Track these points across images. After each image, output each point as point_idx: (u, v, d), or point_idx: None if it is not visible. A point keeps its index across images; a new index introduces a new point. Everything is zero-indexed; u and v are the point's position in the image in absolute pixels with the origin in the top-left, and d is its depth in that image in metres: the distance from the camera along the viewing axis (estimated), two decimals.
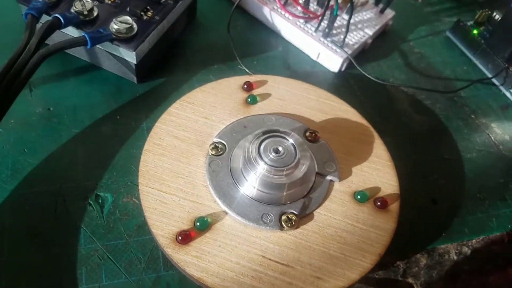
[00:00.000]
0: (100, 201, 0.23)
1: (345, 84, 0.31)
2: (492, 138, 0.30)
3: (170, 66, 0.30)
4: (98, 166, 0.24)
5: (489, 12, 0.35)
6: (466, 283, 0.25)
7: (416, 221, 0.26)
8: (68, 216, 0.22)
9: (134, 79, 0.28)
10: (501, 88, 0.33)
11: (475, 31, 0.35)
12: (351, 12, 0.30)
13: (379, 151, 0.25)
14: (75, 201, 0.22)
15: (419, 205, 0.26)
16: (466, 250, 0.26)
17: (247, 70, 0.30)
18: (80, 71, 0.28)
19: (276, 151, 0.22)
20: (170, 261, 0.20)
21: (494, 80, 0.34)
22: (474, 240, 0.26)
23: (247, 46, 0.33)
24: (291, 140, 0.22)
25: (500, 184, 0.28)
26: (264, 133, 0.22)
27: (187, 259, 0.20)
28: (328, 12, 0.31)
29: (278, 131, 0.22)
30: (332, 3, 0.31)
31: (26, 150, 0.24)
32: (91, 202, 0.23)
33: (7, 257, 0.20)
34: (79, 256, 0.21)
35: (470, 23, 0.36)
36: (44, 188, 0.23)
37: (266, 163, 0.21)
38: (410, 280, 0.25)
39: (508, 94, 0.33)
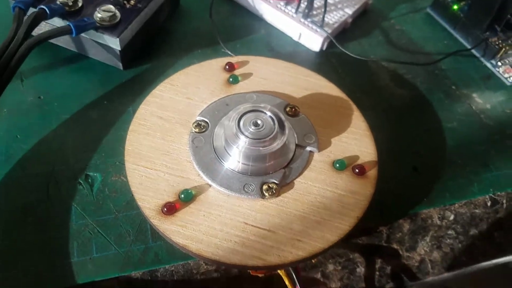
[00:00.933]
0: (90, 180, 0.24)
1: (327, 63, 0.32)
2: (473, 107, 0.31)
3: (155, 52, 0.31)
4: (87, 149, 0.25)
5: None
6: (451, 248, 0.26)
7: (397, 189, 0.26)
8: (59, 195, 0.23)
9: (120, 65, 0.29)
10: (482, 59, 0.34)
11: (455, 7, 0.36)
12: None
13: (358, 122, 0.26)
14: (66, 181, 0.24)
15: (400, 174, 0.27)
16: (449, 214, 0.27)
17: (229, 53, 0.31)
18: (68, 60, 0.29)
19: (256, 125, 0.23)
20: (157, 232, 0.21)
21: (475, 52, 0.34)
22: (456, 205, 0.27)
23: (230, 30, 0.33)
24: (269, 113, 0.23)
25: (482, 150, 0.29)
26: (244, 109, 0.23)
27: (173, 228, 0.21)
28: None
29: (256, 106, 0.23)
30: None
31: (18, 136, 0.25)
32: (81, 181, 0.24)
33: (2, 235, 0.22)
34: (70, 232, 0.22)
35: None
36: (36, 170, 0.24)
37: (247, 136, 0.22)
38: (394, 245, 0.26)
39: (489, 65, 0.34)
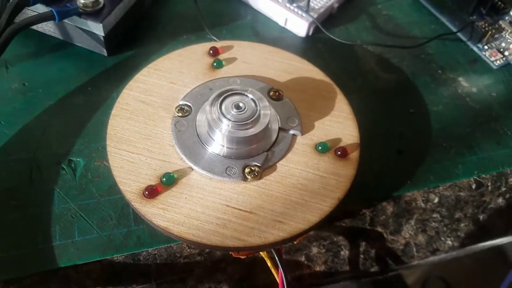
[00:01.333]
0: (72, 165, 0.24)
1: (313, 48, 0.32)
2: (459, 91, 0.31)
3: (140, 38, 0.31)
4: (71, 134, 0.25)
5: None
6: (436, 231, 0.26)
7: (381, 171, 0.26)
8: (42, 180, 0.23)
9: (104, 52, 0.29)
10: (468, 43, 0.34)
11: None
12: None
13: (341, 106, 0.26)
14: (49, 166, 0.24)
15: (384, 156, 0.27)
16: (433, 197, 0.27)
17: (214, 38, 0.31)
18: (53, 48, 0.29)
19: (237, 107, 0.23)
20: (139, 216, 0.21)
21: (461, 36, 0.34)
22: (441, 187, 0.27)
23: (215, 16, 0.33)
24: (250, 96, 0.23)
25: (467, 133, 0.29)
26: (224, 92, 0.23)
27: (154, 211, 0.21)
28: None
29: (237, 89, 0.23)
30: None
31: (2, 123, 0.25)
32: (64, 166, 0.24)
33: None
34: (53, 216, 0.22)
35: None
36: (19, 156, 0.24)
37: (229, 119, 0.22)
38: (379, 228, 0.26)
39: (475, 49, 0.34)
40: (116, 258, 0.22)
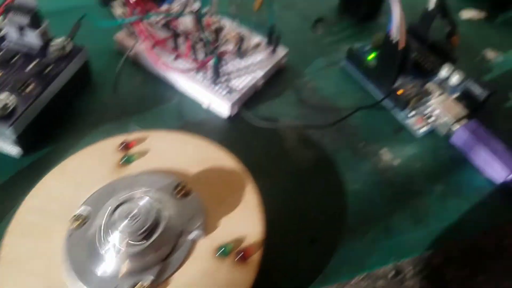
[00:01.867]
0: None
1: (236, 129, 0.32)
2: (381, 164, 0.31)
3: (58, 133, 0.31)
4: None
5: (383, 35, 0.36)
6: None
7: (288, 266, 0.26)
8: None
9: (16, 154, 0.29)
10: (392, 112, 0.34)
11: (370, 57, 0.36)
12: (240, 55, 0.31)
13: (250, 197, 0.25)
14: None
15: (296, 246, 0.26)
16: None
17: (136, 127, 0.31)
18: None
19: (130, 216, 0.22)
20: None
21: (386, 104, 0.34)
22: (355, 279, 0.26)
23: (141, 101, 0.33)
24: (145, 200, 0.23)
25: (384, 214, 0.28)
26: (115, 202, 0.23)
27: None
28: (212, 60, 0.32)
29: (129, 197, 0.23)
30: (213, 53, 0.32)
31: None
32: None
33: None
34: None
35: (367, 47, 0.37)
36: None
37: (118, 231, 0.22)
38: None
39: (400, 116, 0.34)
40: None
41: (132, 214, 0.22)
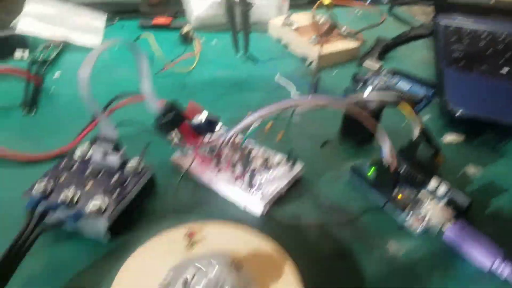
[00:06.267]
0: None
1: (269, 224, 0.41)
2: (388, 254, 0.39)
3: (136, 226, 0.40)
4: None
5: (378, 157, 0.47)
6: None
7: None
8: None
9: (106, 239, 0.38)
10: (393, 214, 0.43)
11: (370, 172, 0.47)
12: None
13: (289, 277, 0.33)
14: None
15: None
16: None
17: (191, 224, 0.40)
18: (68, 237, 0.38)
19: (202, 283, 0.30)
20: None
21: (387, 209, 0.44)
22: None
23: (194, 203, 0.43)
24: (213, 274, 0.31)
25: None
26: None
27: None
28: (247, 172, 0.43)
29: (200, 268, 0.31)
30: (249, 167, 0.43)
31: None
32: None
33: None
34: None
35: (367, 164, 0.48)
36: None
37: None
38: None
39: (400, 217, 0.43)
40: None
41: (207, 277, 0.30)
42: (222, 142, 0.45)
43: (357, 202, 0.45)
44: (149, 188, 0.44)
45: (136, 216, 0.41)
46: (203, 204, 0.44)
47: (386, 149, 0.41)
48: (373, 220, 0.43)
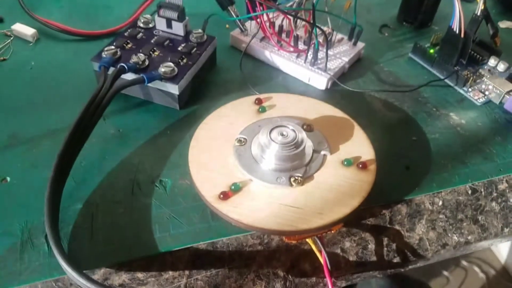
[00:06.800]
0: (163, 183, 0.32)
1: (332, 97, 0.41)
2: (451, 123, 0.39)
3: (201, 97, 0.41)
4: (159, 163, 0.34)
5: (441, 34, 0.46)
6: (444, 229, 0.33)
7: (394, 181, 0.34)
8: (142, 194, 0.31)
9: (177, 106, 0.39)
10: (455, 87, 0.43)
11: (431, 50, 0.46)
12: (327, 46, 0.41)
13: (358, 133, 0.34)
14: (146, 185, 0.32)
15: (396, 171, 0.35)
16: (437, 200, 0.34)
17: (257, 93, 0.41)
18: (138, 105, 0.39)
19: (282, 134, 0.31)
20: (216, 213, 0.29)
21: (449, 82, 0.43)
22: (443, 192, 0.34)
23: (255, 79, 0.43)
24: (291, 127, 0.32)
25: (460, 152, 0.37)
26: (272, 125, 0.32)
27: (228, 208, 0.29)
28: (311, 47, 0.42)
29: (281, 123, 0.32)
30: (313, 41, 0.42)
31: (106, 157, 0.34)
32: (157, 184, 0.32)
33: (102, 222, 0.30)
34: (152, 217, 0.30)
35: (427, 45, 0.47)
36: (122, 178, 0.32)
37: (277, 143, 0.31)
38: (397, 226, 0.33)
39: (461, 91, 0.43)
40: (200, 246, 0.29)
41: (283, 133, 0.31)
42: (285, 15, 0.43)
43: (419, 78, 0.44)
44: (212, 62, 0.44)
45: (202, 88, 0.42)
46: (265, 80, 0.44)
47: (457, 13, 0.39)
48: (435, 93, 0.43)
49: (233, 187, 0.30)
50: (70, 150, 0.32)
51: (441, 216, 0.34)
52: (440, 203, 0.34)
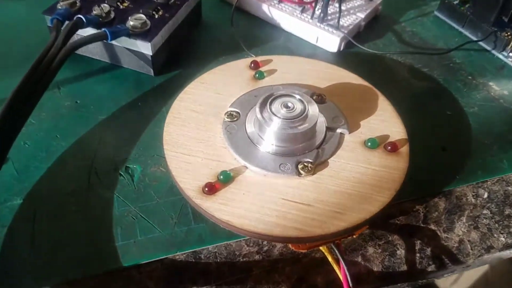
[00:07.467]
0: (130, 171, 0.25)
1: (345, 62, 0.34)
2: (492, 94, 0.32)
3: (183, 60, 0.33)
4: (126, 144, 0.26)
5: None
6: (489, 228, 0.26)
7: (428, 168, 0.27)
8: (101, 185, 0.24)
9: (151, 71, 0.31)
10: (493, 52, 0.35)
11: (462, 8, 0.38)
12: None
13: (384, 105, 0.27)
14: (107, 173, 0.24)
15: (429, 153, 0.27)
16: (482, 192, 0.27)
17: (252, 55, 0.33)
18: (101, 70, 0.31)
19: (286, 106, 0.24)
20: (199, 211, 0.22)
21: (485, 46, 0.36)
22: (489, 182, 0.27)
23: (250, 39, 0.35)
24: (298, 97, 0.24)
25: (506, 130, 0.29)
26: (273, 94, 0.24)
27: (215, 206, 0.21)
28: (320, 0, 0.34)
29: (285, 93, 0.24)
30: None
31: (58, 136, 0.26)
32: (121, 173, 0.24)
33: (47, 223, 0.22)
34: (114, 218, 0.22)
35: (455, 2, 0.39)
36: (77, 164, 0.25)
37: (279, 117, 0.23)
38: (432, 226, 0.26)
39: (501, 56, 0.35)
40: (177, 257, 0.22)
41: (288, 104, 0.24)
42: None
43: (449, 40, 0.37)
44: (196, 16, 0.36)
45: (184, 49, 0.34)
46: (263, 40, 0.35)
47: None
48: (469, 58, 0.35)
49: (221, 177, 0.22)
50: (7, 126, 0.24)
51: (485, 211, 0.26)
52: (485, 195, 0.27)
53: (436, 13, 0.39)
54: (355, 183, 0.23)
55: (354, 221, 0.21)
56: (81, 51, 0.31)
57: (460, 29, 0.38)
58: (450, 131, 0.29)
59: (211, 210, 0.21)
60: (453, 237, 0.26)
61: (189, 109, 0.26)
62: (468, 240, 0.26)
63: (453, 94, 0.32)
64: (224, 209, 0.21)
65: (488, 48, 0.36)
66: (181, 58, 0.33)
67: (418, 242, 0.25)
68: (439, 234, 0.26)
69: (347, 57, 0.34)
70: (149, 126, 0.27)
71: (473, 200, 0.27)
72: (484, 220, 0.26)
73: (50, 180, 0.24)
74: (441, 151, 0.28)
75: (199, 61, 0.33)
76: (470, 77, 0.33)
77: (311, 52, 0.35)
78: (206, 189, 0.22)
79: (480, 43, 0.36)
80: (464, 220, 0.26)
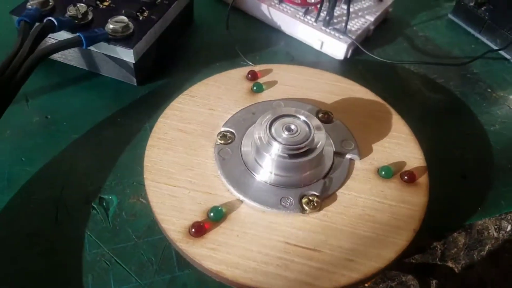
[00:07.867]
0: (104, 204, 0.21)
1: (353, 70, 0.30)
2: None
3: (171, 68, 0.29)
4: (101, 169, 0.22)
5: None
6: (511, 265, 0.23)
7: (447, 198, 0.23)
8: (70, 222, 0.20)
9: (134, 81, 0.27)
10: None
11: (479, 11, 0.34)
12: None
13: (399, 126, 0.24)
14: (78, 206, 0.21)
15: (448, 182, 0.24)
16: (506, 224, 0.24)
17: (250, 63, 0.29)
18: (78, 79, 0.27)
19: (289, 129, 0.20)
20: (185, 258, 0.18)
21: (505, 54, 0.32)
22: None
23: (247, 43, 0.32)
24: (302, 118, 0.21)
25: None
26: (273, 115, 0.21)
27: (203, 252, 0.18)
28: (326, 1, 0.30)
29: (287, 112, 0.21)
30: None
31: (23, 159, 0.23)
32: (94, 205, 0.21)
33: (7, 268, 0.19)
34: (84, 263, 0.19)
35: (471, 3, 0.35)
36: (43, 195, 0.21)
37: (280, 143, 0.20)
38: (449, 263, 0.23)
39: None
40: None
41: (291, 127, 0.20)
42: None
43: (465, 46, 0.33)
44: (187, 18, 0.32)
45: (172, 55, 0.30)
46: (262, 45, 0.32)
47: None
48: (487, 67, 0.32)
49: (212, 214, 0.19)
50: None
51: (507, 245, 0.23)
52: (509, 228, 0.24)
53: (450, 16, 0.36)
54: (368, 222, 0.19)
55: (368, 271, 0.18)
56: (55, 56, 0.27)
57: (477, 35, 0.34)
58: (470, 153, 0.26)
59: (198, 257, 0.18)
60: (471, 275, 0.23)
61: (176, 129, 0.23)
62: (489, 279, 0.23)
63: (471, 110, 0.28)
64: (214, 256, 0.18)
65: (508, 57, 0.32)
66: (169, 65, 0.29)
67: (434, 282, 0.22)
68: (456, 271, 0.23)
69: (354, 65, 0.31)
70: (128, 147, 0.24)
71: (495, 234, 0.23)
72: (506, 254, 0.23)
73: (9, 215, 0.20)
74: (461, 178, 0.24)
75: (189, 70, 0.29)
76: (489, 90, 0.30)
77: (315, 59, 0.31)
78: (193, 230, 0.18)
79: (500, 52, 0.33)
80: (485, 255, 0.23)
